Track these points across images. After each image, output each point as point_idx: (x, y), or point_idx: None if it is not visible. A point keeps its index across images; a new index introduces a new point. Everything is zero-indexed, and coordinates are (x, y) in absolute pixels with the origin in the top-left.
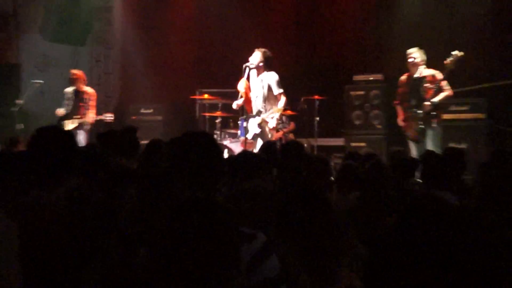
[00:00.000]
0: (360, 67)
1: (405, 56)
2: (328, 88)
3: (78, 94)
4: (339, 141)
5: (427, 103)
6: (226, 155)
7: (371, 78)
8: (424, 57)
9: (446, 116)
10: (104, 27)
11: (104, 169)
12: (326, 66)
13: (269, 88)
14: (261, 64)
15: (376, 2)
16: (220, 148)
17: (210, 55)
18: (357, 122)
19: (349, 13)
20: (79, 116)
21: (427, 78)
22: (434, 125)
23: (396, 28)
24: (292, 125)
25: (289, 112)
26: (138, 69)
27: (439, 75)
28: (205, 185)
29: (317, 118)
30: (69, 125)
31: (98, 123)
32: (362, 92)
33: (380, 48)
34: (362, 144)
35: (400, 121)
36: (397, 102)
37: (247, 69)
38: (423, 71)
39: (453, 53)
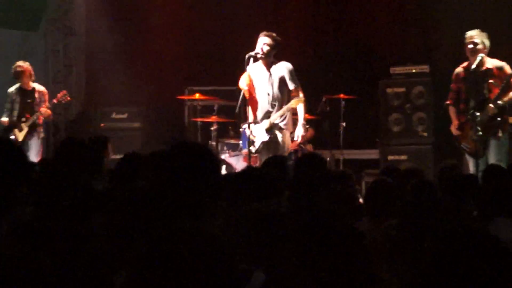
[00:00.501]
0: (399, 55)
1: (460, 41)
2: (357, 85)
3: (25, 93)
4: (372, 154)
5: (491, 105)
6: (224, 171)
7: (414, 71)
8: (488, 43)
9: None
10: (63, 8)
11: (67, 193)
12: (353, 56)
13: (282, 83)
14: (270, 52)
15: None
16: (218, 163)
17: (202, 43)
18: (395, 129)
19: None
20: (28, 117)
21: (493, 72)
22: (499, 134)
23: (448, 2)
24: (310, 133)
25: (306, 116)
26: (108, 62)
27: (508, 68)
28: (196, 212)
29: (343, 124)
30: (20, 134)
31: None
32: (402, 89)
33: (425, 30)
34: (403, 157)
35: (453, 128)
36: (450, 102)
37: (251, 61)
38: (486, 62)
39: None
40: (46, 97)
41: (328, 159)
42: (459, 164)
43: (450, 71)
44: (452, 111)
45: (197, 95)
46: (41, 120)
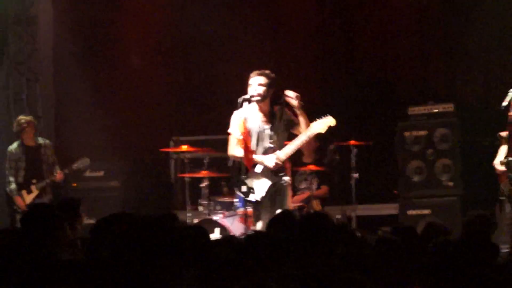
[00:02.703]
0: (419, 94)
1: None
2: (371, 129)
3: (30, 150)
4: (390, 209)
5: None
6: (218, 235)
7: (436, 110)
8: None
9: None
10: (25, 47)
11: (28, 265)
12: (367, 95)
13: (286, 127)
14: (266, 93)
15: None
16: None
17: (189, 86)
18: (416, 178)
19: (403, 16)
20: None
21: None
22: None
23: (475, 32)
24: (324, 190)
25: (312, 167)
26: (80, 111)
27: None
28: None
29: (356, 175)
30: (28, 197)
31: None
32: (423, 132)
33: (449, 64)
34: (426, 211)
35: (498, 163)
36: (505, 133)
37: (245, 104)
38: None
39: None
40: (53, 150)
41: (337, 217)
42: (489, 215)
43: (479, 109)
44: (504, 143)
45: (184, 147)
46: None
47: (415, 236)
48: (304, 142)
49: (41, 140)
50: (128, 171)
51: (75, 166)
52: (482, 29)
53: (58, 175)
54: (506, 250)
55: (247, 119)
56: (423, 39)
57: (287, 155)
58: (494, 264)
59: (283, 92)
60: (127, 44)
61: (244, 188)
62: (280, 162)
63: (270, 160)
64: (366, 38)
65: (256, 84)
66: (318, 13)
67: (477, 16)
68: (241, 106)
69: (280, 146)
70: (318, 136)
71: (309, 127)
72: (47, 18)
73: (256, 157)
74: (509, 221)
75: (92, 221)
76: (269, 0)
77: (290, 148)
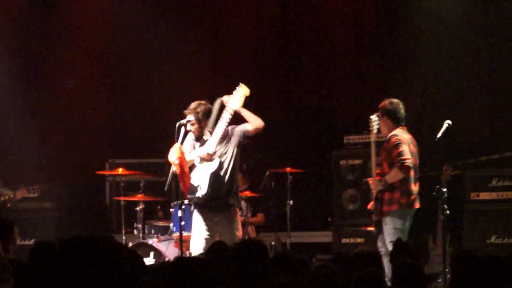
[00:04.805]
0: (355, 122)
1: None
2: (306, 156)
3: None
4: (324, 236)
5: None
6: (152, 261)
7: (372, 139)
8: None
9: None
10: None
11: None
12: (302, 123)
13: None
14: (199, 128)
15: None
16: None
17: (126, 109)
18: (350, 207)
19: (340, 44)
20: None
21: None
22: None
23: (409, 63)
24: (260, 217)
25: (247, 193)
26: (13, 129)
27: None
28: None
29: (290, 202)
30: None
31: None
32: (358, 161)
33: (385, 92)
34: (359, 239)
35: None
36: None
37: (183, 129)
38: None
39: None
40: None
41: (272, 243)
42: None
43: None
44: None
45: (120, 170)
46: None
47: (349, 264)
48: (227, 123)
49: None
50: (62, 193)
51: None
52: (416, 62)
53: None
54: (439, 280)
55: (184, 144)
56: (360, 67)
57: (217, 144)
58: None
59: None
60: (63, 63)
61: (179, 213)
62: (211, 153)
63: (201, 152)
64: (302, 65)
65: (188, 123)
66: (256, 37)
67: (411, 50)
68: (179, 131)
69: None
70: (249, 162)
71: (226, 107)
72: None
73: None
74: (441, 251)
75: (25, 242)
76: (209, 25)
77: (216, 136)
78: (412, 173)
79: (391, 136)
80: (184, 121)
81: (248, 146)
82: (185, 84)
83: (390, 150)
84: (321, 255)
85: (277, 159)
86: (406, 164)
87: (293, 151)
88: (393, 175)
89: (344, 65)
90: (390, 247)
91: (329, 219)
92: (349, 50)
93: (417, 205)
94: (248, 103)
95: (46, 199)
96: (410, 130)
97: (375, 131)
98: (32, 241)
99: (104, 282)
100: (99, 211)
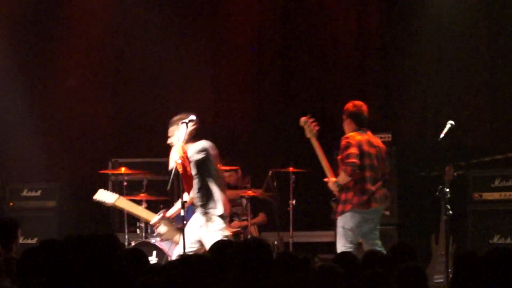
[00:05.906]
0: None
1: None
2: (309, 156)
3: None
4: (327, 236)
5: None
6: (154, 260)
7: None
8: None
9: None
10: None
11: None
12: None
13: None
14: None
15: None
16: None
17: (128, 108)
18: None
19: (342, 49)
20: None
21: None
22: None
23: (410, 65)
24: (262, 217)
25: (249, 192)
26: (17, 129)
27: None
28: None
29: (293, 202)
30: None
31: None
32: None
33: (387, 94)
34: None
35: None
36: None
37: (186, 127)
38: None
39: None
40: None
41: (275, 243)
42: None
43: (415, 140)
44: None
45: (122, 169)
46: None
47: (356, 264)
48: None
49: None
50: (65, 192)
51: None
52: (419, 62)
53: None
54: (441, 281)
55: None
56: (362, 68)
57: None
58: None
59: None
60: (66, 62)
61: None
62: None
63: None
64: (304, 68)
65: (191, 123)
66: (258, 38)
67: (414, 50)
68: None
69: None
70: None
71: None
72: None
73: None
74: (443, 251)
75: (27, 241)
76: (210, 25)
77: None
78: (367, 173)
79: (342, 138)
80: (186, 119)
81: (252, 148)
82: (187, 83)
83: (341, 151)
84: (323, 255)
85: (280, 159)
86: (349, 167)
87: (296, 151)
88: (341, 178)
89: (346, 66)
90: (338, 248)
91: (332, 219)
92: (351, 50)
93: (374, 204)
94: (250, 102)
95: (49, 197)
96: (413, 131)
97: (308, 135)
98: (35, 240)
99: (106, 280)
100: (102, 210)
